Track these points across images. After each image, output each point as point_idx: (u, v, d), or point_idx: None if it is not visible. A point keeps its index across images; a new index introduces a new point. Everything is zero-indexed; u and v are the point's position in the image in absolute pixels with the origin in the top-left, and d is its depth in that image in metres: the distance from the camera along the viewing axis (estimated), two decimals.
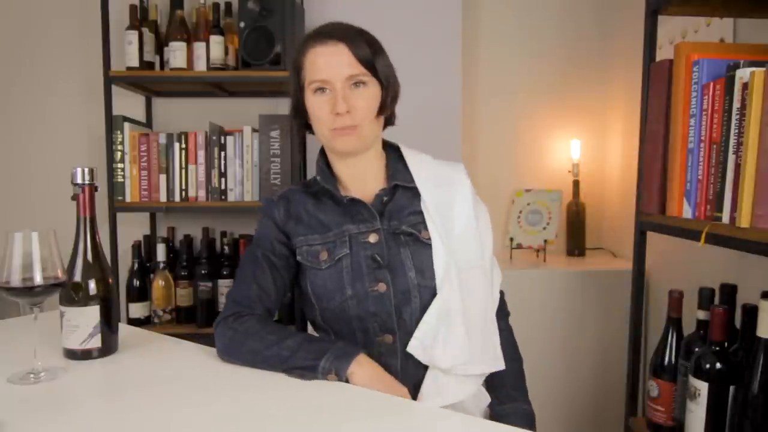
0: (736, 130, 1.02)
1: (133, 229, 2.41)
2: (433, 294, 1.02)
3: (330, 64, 1.00)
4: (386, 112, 1.08)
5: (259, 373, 0.96)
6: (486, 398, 1.06)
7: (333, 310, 1.04)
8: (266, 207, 1.12)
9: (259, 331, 0.98)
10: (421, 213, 1.07)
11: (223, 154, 2.12)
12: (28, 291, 0.89)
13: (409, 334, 1.01)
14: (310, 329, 1.18)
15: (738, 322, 1.14)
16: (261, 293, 1.05)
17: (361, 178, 1.10)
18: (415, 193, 1.09)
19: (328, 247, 1.05)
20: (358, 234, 1.05)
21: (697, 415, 1.11)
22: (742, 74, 1.01)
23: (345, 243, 1.05)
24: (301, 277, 1.09)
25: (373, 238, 1.04)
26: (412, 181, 1.09)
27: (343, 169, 1.10)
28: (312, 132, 1.11)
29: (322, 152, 1.14)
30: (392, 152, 1.14)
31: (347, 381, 0.91)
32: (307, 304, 1.10)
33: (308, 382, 0.92)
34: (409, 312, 1.02)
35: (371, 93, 1.03)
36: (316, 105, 1.03)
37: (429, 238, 1.04)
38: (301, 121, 1.12)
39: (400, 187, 1.09)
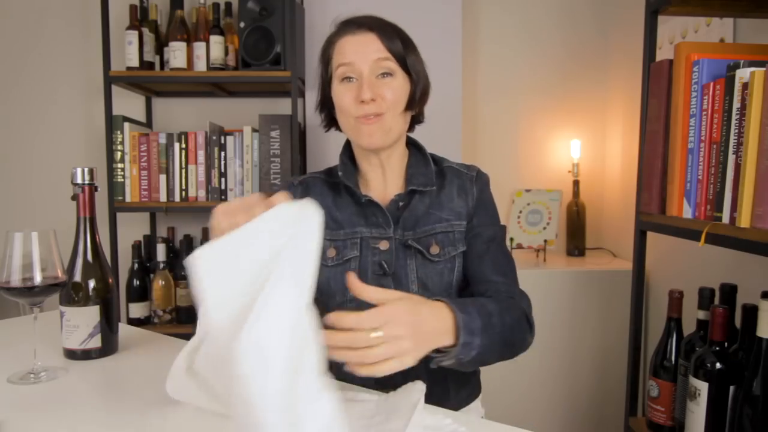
0: (736, 130, 1.02)
1: (133, 229, 2.41)
2: None
3: (358, 51, 0.98)
4: (414, 109, 1.05)
5: None
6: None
7: (332, 309, 1.04)
8: (285, 188, 1.09)
9: None
10: (434, 222, 1.04)
11: (223, 154, 2.12)
12: (28, 291, 0.89)
13: None
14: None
15: (738, 322, 1.14)
16: None
17: (383, 177, 1.08)
18: (432, 198, 1.06)
19: (337, 245, 1.05)
20: (370, 238, 1.04)
21: (697, 415, 1.11)
22: (742, 74, 1.01)
23: (356, 245, 1.04)
24: None
25: (383, 246, 1.03)
26: (431, 184, 1.06)
27: (366, 165, 1.08)
28: (339, 128, 1.08)
29: (347, 145, 1.12)
30: (415, 151, 1.11)
31: None
32: (314, 300, 1.10)
33: None
34: None
35: (399, 84, 1.00)
36: (340, 93, 1.00)
37: (436, 254, 1.03)
38: (327, 115, 1.09)
39: (418, 192, 1.06)
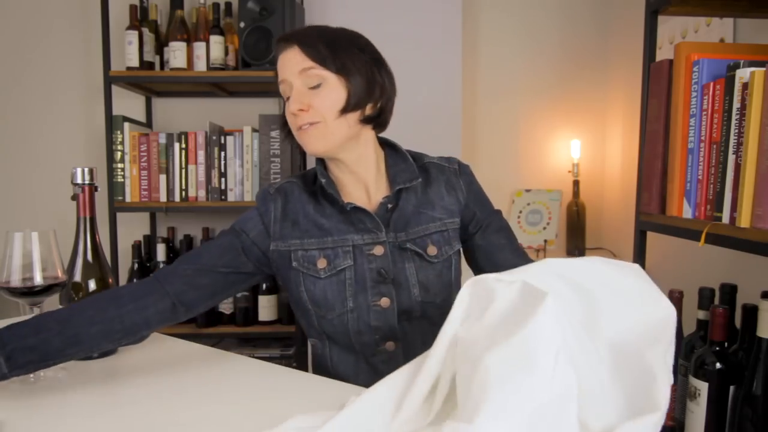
0: (736, 130, 1.02)
1: (133, 229, 2.41)
2: (439, 310, 0.99)
3: (286, 67, 0.98)
4: (358, 109, 0.98)
5: (258, 372, 0.96)
6: None
7: (331, 320, 1.01)
8: (261, 199, 1.05)
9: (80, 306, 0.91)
10: (427, 222, 1.03)
11: (223, 154, 2.12)
12: (28, 291, 0.90)
13: (413, 342, 1.00)
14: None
15: (738, 322, 1.14)
16: (188, 270, 0.98)
17: (360, 184, 1.04)
18: (420, 195, 1.04)
19: (327, 255, 1.00)
20: (363, 245, 1.00)
21: (697, 415, 1.11)
22: (742, 74, 1.01)
23: (348, 253, 1.00)
24: (294, 283, 1.02)
25: (378, 251, 1.00)
26: (416, 177, 1.04)
27: (338, 174, 1.05)
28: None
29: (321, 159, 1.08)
30: (391, 151, 1.08)
31: None
32: (301, 310, 1.04)
33: (308, 382, 0.91)
34: (413, 324, 1.01)
35: (329, 90, 0.96)
36: (285, 111, 1.01)
37: (434, 255, 1.02)
38: (287, 132, 1.08)
39: (404, 190, 1.04)
